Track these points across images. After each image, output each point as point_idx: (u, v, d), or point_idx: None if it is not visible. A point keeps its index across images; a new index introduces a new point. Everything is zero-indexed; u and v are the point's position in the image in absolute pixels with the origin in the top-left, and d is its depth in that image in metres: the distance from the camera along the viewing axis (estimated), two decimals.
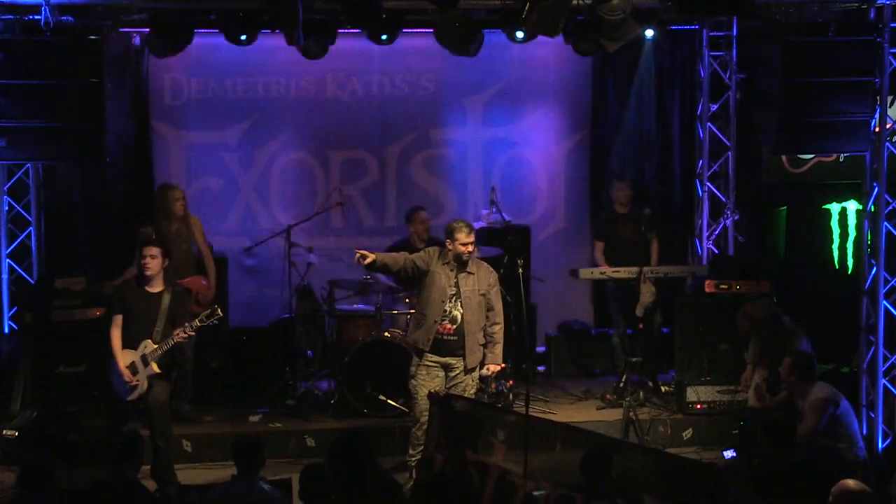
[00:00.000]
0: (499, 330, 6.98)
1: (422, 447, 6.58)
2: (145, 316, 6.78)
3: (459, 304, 6.82)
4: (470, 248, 6.83)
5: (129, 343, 6.77)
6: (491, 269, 7.08)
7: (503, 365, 7.24)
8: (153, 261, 6.81)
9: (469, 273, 6.88)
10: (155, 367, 6.70)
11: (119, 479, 5.30)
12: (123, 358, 6.73)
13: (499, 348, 6.98)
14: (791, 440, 6.17)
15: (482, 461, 5.93)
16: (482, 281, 6.91)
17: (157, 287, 6.86)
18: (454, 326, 6.83)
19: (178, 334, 6.69)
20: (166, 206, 8.11)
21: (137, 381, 6.70)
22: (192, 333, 6.78)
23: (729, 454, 6.97)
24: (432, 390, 6.61)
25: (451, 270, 6.87)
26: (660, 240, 9.04)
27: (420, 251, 7.18)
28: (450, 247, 6.86)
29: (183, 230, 8.13)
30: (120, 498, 5.18)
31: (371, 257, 6.76)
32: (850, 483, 4.61)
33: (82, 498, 5.22)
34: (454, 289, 6.85)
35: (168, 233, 7.97)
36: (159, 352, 6.69)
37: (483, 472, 5.86)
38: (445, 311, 6.82)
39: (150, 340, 6.72)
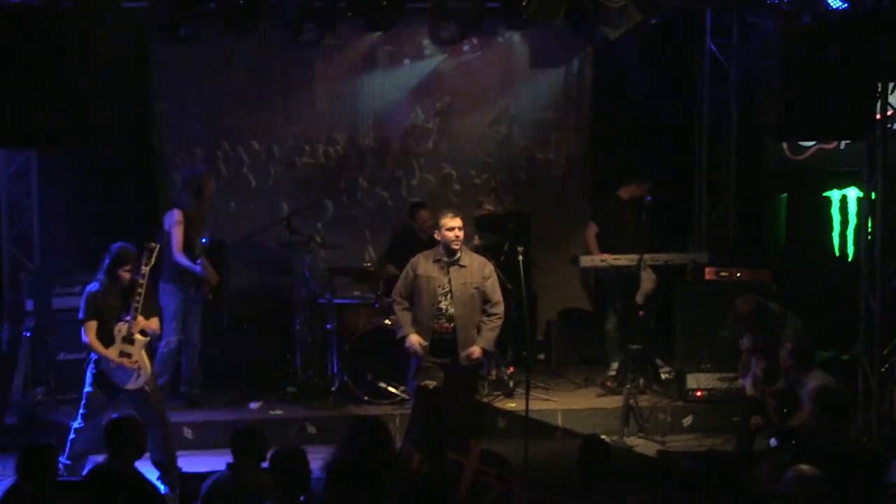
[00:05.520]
0: (495, 319, 6.84)
1: None
2: (116, 311, 6.73)
3: (453, 299, 6.74)
4: (457, 232, 6.73)
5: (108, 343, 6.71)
6: (486, 261, 6.99)
7: (480, 349, 6.85)
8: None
9: (461, 266, 6.78)
10: (139, 337, 6.61)
11: (117, 467, 5.26)
12: (112, 352, 6.62)
13: (489, 335, 6.83)
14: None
15: (459, 461, 5.84)
16: (475, 274, 6.80)
17: None
18: (452, 325, 6.75)
19: (137, 295, 6.59)
20: (206, 192, 8.05)
21: (136, 362, 6.62)
22: (145, 279, 6.64)
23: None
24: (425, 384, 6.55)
25: (442, 267, 6.78)
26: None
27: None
28: (438, 237, 6.79)
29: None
30: (118, 486, 5.16)
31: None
32: (805, 468, 4.70)
33: (80, 486, 5.23)
34: (447, 286, 6.76)
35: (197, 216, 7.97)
36: (132, 324, 6.60)
37: (459, 471, 5.77)
38: (441, 309, 6.75)
39: (118, 325, 6.62)
